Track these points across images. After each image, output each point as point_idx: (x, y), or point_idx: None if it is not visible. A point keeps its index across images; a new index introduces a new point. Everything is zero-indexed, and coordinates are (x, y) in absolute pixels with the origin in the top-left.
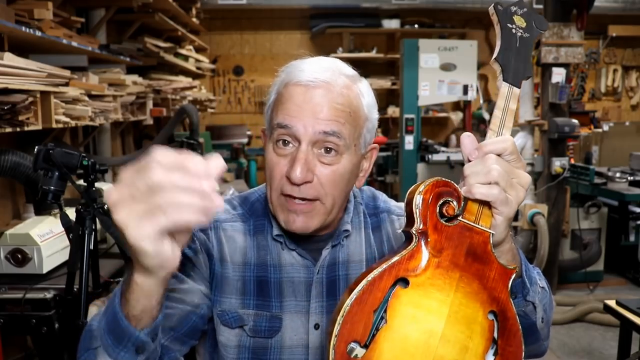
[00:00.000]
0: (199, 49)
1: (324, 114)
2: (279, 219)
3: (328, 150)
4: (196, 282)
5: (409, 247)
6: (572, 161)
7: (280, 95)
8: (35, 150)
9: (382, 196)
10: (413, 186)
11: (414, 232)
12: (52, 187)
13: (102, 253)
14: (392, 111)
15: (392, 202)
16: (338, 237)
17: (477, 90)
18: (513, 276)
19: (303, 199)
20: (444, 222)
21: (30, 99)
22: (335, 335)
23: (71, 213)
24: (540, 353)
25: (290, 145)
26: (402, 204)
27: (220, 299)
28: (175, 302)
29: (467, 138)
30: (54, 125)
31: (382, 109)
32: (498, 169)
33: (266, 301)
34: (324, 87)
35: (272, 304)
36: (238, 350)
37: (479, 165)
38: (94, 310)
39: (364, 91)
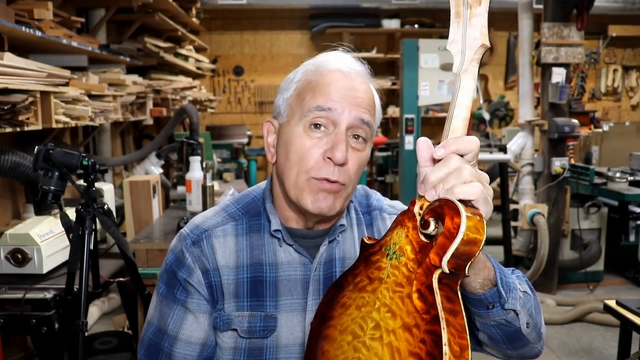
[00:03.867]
0: (199, 49)
1: (362, 100)
2: (304, 201)
3: (357, 137)
4: (198, 318)
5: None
6: (572, 161)
7: (315, 82)
8: (35, 150)
9: (375, 194)
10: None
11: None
12: (52, 187)
13: (102, 253)
14: (392, 111)
15: (386, 201)
16: (335, 232)
17: (477, 90)
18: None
19: (336, 182)
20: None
21: (30, 99)
22: None
23: (71, 213)
24: (534, 355)
25: (323, 128)
26: (395, 203)
27: (219, 306)
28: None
29: (425, 143)
30: (54, 125)
31: (382, 108)
32: (470, 168)
33: (260, 301)
34: (357, 79)
35: (267, 303)
36: (233, 352)
37: (444, 167)
38: (94, 310)
39: (375, 92)
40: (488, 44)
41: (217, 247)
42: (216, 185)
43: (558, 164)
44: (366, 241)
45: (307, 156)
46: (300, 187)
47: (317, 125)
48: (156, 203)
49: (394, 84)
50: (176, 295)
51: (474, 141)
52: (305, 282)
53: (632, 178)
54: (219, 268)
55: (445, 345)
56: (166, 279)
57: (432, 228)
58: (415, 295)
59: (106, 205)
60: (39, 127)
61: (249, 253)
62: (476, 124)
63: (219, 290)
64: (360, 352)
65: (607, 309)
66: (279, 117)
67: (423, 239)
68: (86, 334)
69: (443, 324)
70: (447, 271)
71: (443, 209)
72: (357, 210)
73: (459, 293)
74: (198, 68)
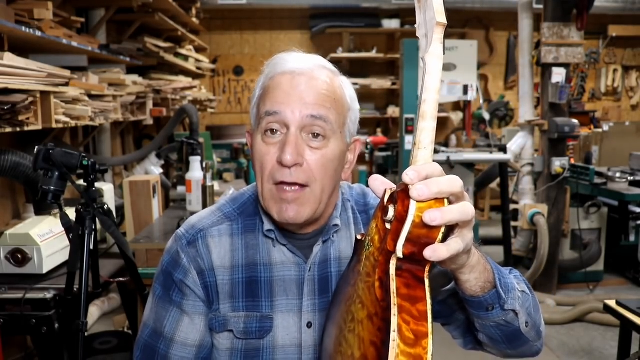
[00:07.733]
0: (199, 49)
1: (311, 98)
2: (271, 211)
3: (316, 135)
4: (193, 320)
5: None
6: (572, 161)
7: (267, 87)
8: (35, 150)
9: (372, 193)
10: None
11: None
12: (52, 187)
13: (102, 253)
14: (392, 111)
15: None
16: (328, 232)
17: (477, 90)
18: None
19: (294, 184)
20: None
21: (30, 99)
22: None
23: (71, 213)
24: (534, 353)
25: (279, 133)
26: None
27: (215, 307)
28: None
29: (377, 180)
30: (54, 125)
31: (382, 109)
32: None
33: (256, 302)
34: (308, 75)
35: (263, 304)
36: (230, 353)
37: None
38: (94, 310)
39: (346, 84)
40: (444, 21)
41: (213, 247)
42: (216, 185)
43: (558, 164)
44: (358, 237)
45: (264, 163)
46: (266, 198)
47: (272, 131)
48: (156, 203)
49: (394, 84)
50: (172, 297)
51: (437, 167)
52: (300, 282)
53: (632, 178)
54: (215, 268)
55: (394, 331)
56: (162, 280)
57: (390, 214)
58: (377, 284)
59: (106, 205)
60: (39, 127)
61: (244, 253)
62: (476, 124)
63: (214, 291)
64: (342, 345)
65: (607, 309)
66: (252, 128)
67: (387, 226)
68: (86, 334)
69: (394, 310)
70: (401, 256)
71: (397, 194)
72: (354, 210)
73: (426, 280)
74: (198, 68)
